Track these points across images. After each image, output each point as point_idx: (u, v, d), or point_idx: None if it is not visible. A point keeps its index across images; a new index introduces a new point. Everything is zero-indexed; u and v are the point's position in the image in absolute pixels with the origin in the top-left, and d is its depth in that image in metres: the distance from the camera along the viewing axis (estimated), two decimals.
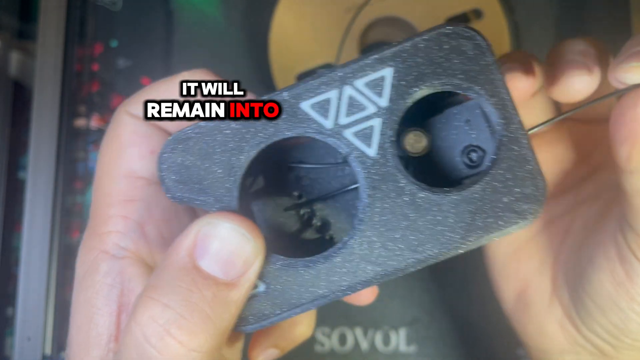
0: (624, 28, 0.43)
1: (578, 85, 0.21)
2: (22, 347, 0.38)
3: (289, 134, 0.17)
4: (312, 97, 0.17)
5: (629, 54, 0.20)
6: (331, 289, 0.17)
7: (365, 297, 0.24)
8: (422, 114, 0.20)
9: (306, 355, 0.40)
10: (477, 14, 0.41)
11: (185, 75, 0.21)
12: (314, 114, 0.17)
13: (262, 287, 0.18)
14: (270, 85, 0.40)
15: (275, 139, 0.17)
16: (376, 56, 0.17)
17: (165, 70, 0.43)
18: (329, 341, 0.40)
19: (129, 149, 0.21)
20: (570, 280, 0.25)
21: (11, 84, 0.42)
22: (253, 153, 0.18)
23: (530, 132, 0.18)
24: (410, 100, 0.17)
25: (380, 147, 0.17)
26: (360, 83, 0.17)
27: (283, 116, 0.17)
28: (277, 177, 0.21)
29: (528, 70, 0.22)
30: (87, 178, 0.42)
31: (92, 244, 0.21)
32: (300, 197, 0.21)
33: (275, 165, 0.21)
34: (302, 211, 0.21)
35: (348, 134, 0.17)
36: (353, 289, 0.17)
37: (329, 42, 0.40)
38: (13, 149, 0.42)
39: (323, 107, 0.17)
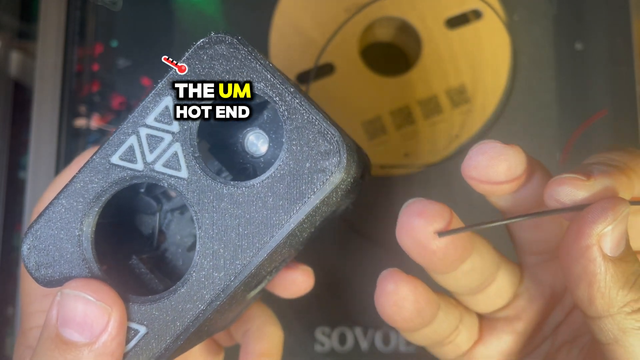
0: (624, 28, 0.43)
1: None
2: None
3: (111, 190, 0.19)
4: (116, 149, 0.19)
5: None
6: (200, 306, 0.19)
7: (299, 288, 0.25)
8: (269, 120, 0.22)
9: (306, 355, 0.40)
10: (477, 14, 0.41)
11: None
12: (125, 164, 0.19)
13: (143, 330, 0.19)
14: None
15: (104, 198, 0.19)
16: (153, 92, 0.19)
17: (165, 71, 0.43)
18: (329, 341, 0.40)
19: None
20: None
21: (11, 83, 0.42)
22: (91, 219, 0.19)
23: (456, 233, 0.19)
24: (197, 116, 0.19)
25: (188, 166, 0.19)
26: (150, 120, 0.19)
27: (99, 176, 0.19)
28: (143, 225, 0.23)
29: None
30: None
31: (20, 340, 0.23)
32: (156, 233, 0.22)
33: (132, 218, 0.23)
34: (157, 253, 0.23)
35: (159, 167, 0.19)
36: (218, 298, 0.19)
37: (329, 42, 0.40)
38: (13, 149, 0.42)
39: (130, 154, 0.19)
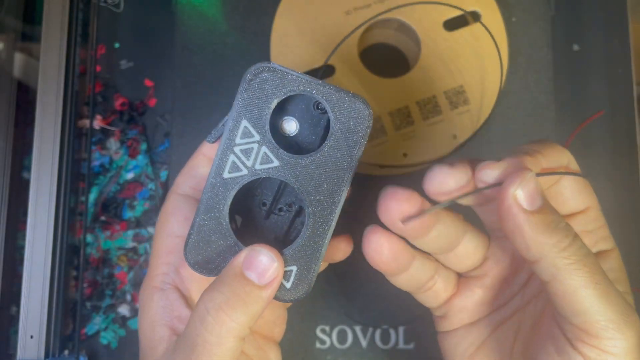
0: (621, 30, 0.44)
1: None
2: (25, 345, 0.39)
3: (231, 196, 0.27)
4: (224, 167, 0.26)
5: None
6: (323, 235, 0.27)
7: (343, 252, 0.31)
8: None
9: (307, 352, 0.40)
10: (475, 16, 0.41)
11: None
12: (234, 174, 0.26)
13: (295, 268, 0.27)
14: None
15: (228, 203, 0.27)
16: (231, 121, 0.26)
17: (167, 72, 0.43)
18: (329, 339, 0.40)
19: (171, 217, 0.30)
20: None
21: (15, 85, 0.43)
22: (227, 219, 0.27)
23: (422, 215, 0.25)
24: (268, 125, 0.26)
25: (277, 156, 0.26)
26: (238, 140, 0.26)
27: (220, 190, 0.26)
28: (247, 212, 0.30)
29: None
30: (90, 178, 0.42)
31: (147, 282, 0.30)
32: (264, 204, 0.29)
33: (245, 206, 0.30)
34: (276, 209, 0.30)
35: (258, 166, 0.26)
36: (331, 226, 0.27)
37: (329, 44, 0.40)
38: (17, 150, 0.42)
39: (236, 167, 0.26)
